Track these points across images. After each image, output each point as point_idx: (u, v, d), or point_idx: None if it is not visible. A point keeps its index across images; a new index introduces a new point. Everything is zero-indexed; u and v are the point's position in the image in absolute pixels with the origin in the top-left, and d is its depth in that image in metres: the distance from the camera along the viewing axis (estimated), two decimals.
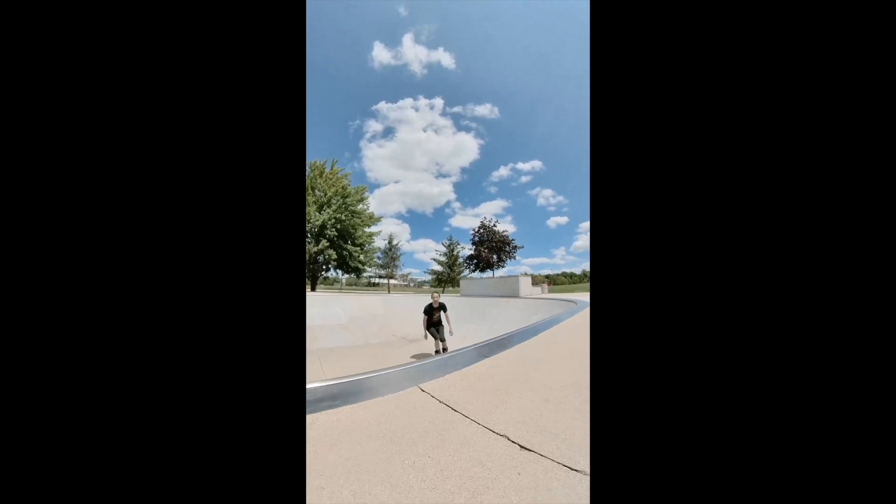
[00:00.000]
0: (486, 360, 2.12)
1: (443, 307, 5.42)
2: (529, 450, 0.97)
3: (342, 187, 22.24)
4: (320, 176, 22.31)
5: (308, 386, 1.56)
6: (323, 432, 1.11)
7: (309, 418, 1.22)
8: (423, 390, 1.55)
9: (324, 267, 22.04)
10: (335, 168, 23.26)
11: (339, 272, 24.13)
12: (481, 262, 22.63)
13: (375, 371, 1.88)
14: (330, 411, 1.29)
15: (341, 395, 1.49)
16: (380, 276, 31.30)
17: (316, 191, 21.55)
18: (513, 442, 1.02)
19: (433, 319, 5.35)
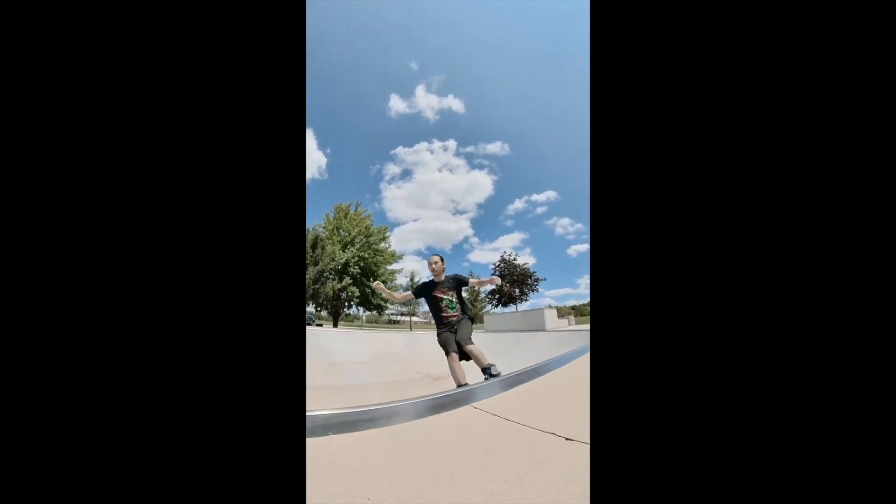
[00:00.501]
0: (520, 387, 2.17)
1: (459, 282, 2.64)
2: (573, 440, 1.05)
3: (365, 227, 23.27)
4: (345, 217, 23.54)
5: (376, 406, 1.59)
6: (405, 440, 1.23)
7: (379, 432, 1.33)
8: (475, 408, 1.63)
9: (346, 304, 22.45)
10: (359, 209, 24.55)
11: (361, 309, 24.45)
12: (503, 296, 22.39)
13: (431, 395, 1.92)
14: (401, 425, 1.39)
15: (410, 413, 1.55)
16: (402, 314, 31.34)
17: (341, 231, 22.64)
18: (559, 436, 1.11)
19: (442, 312, 2.53)
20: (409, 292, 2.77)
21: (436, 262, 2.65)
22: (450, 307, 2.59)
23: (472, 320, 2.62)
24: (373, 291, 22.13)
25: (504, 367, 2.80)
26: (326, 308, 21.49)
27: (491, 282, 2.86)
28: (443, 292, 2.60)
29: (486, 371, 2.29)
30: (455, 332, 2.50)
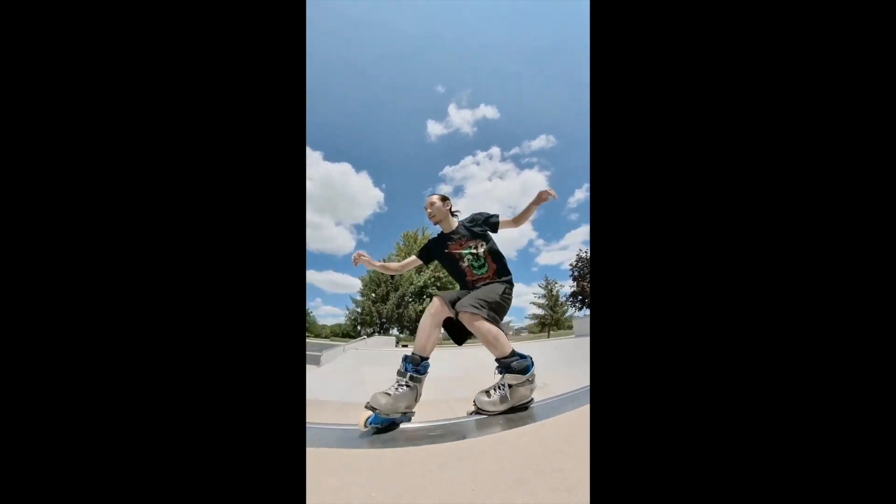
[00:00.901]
0: None
1: (486, 224, 1.65)
2: None
3: None
4: (415, 242, 25.00)
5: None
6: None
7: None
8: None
9: None
10: (426, 234, 25.89)
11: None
12: (586, 297, 21.05)
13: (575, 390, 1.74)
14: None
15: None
16: None
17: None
18: None
19: (466, 276, 1.62)
20: (413, 258, 1.74)
21: (431, 205, 1.68)
22: (475, 266, 1.58)
23: (511, 287, 1.53)
24: None
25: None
26: (408, 329, 22.68)
27: (542, 199, 1.60)
28: (460, 245, 1.61)
29: (505, 366, 1.35)
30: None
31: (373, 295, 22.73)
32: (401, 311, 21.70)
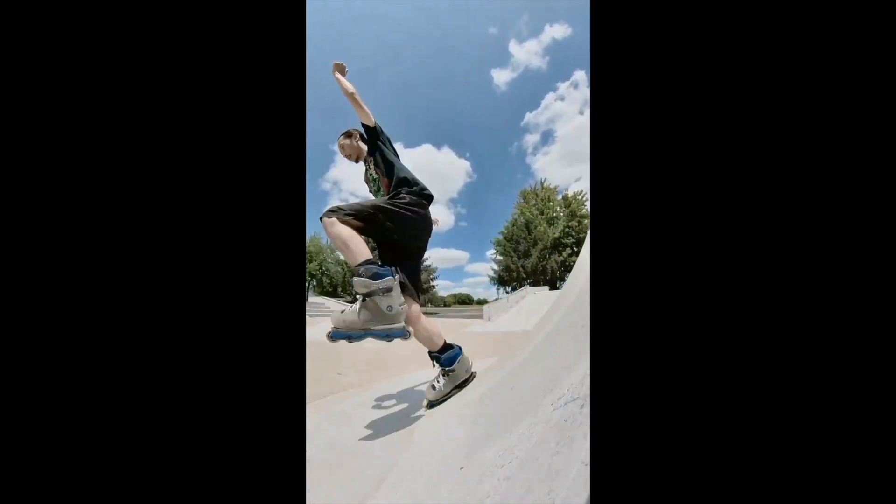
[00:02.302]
0: None
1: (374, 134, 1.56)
2: None
3: (563, 199, 24.38)
4: (536, 198, 25.50)
5: None
6: None
7: None
8: None
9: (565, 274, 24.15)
10: (545, 187, 26.05)
11: None
12: None
13: None
14: None
15: None
16: None
17: (540, 208, 24.67)
18: None
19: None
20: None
21: (342, 147, 1.65)
22: (374, 190, 1.62)
23: (418, 203, 1.44)
24: None
25: None
26: (548, 281, 23.46)
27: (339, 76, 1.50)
28: (367, 169, 1.63)
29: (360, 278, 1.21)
30: None
31: (513, 254, 24.60)
32: (543, 263, 22.96)
